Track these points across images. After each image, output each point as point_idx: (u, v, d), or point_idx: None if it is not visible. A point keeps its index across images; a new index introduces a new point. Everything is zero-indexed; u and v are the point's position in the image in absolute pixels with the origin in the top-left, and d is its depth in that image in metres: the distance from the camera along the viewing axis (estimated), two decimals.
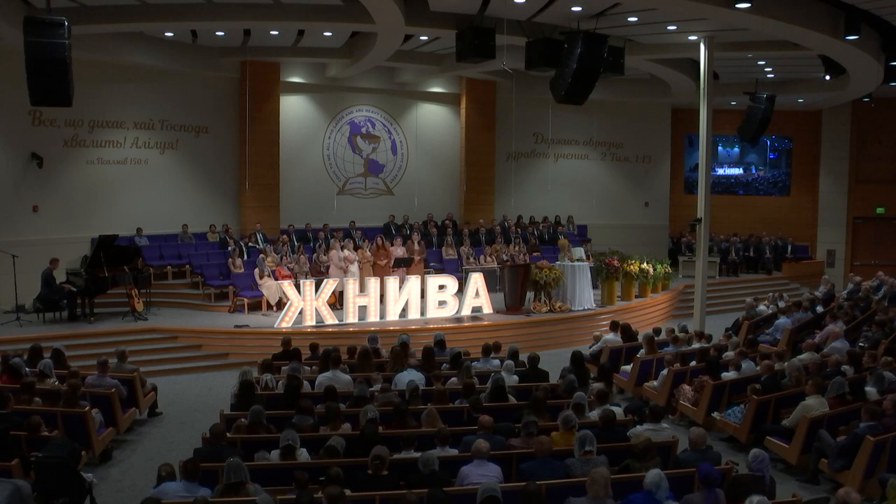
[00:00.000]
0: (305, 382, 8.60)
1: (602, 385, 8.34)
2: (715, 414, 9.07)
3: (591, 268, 15.39)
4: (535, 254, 17.14)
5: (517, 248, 16.99)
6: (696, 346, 11.07)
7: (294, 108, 18.15)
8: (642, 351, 10.82)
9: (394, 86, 19.03)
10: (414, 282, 13.63)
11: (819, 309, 14.06)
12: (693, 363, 10.15)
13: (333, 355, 8.95)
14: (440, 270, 15.91)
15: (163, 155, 16.55)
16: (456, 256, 16.82)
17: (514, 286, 14.39)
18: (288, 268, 14.72)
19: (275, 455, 6.39)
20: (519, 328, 13.73)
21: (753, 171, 23.16)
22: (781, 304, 14.47)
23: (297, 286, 12.99)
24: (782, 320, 13.18)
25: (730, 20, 12.13)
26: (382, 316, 13.42)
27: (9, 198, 14.11)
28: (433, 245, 17.32)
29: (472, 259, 16.70)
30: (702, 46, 14.12)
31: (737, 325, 13.88)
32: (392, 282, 13.51)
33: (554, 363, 10.59)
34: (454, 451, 6.56)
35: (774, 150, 23.02)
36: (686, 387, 9.59)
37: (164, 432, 9.31)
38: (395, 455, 6.21)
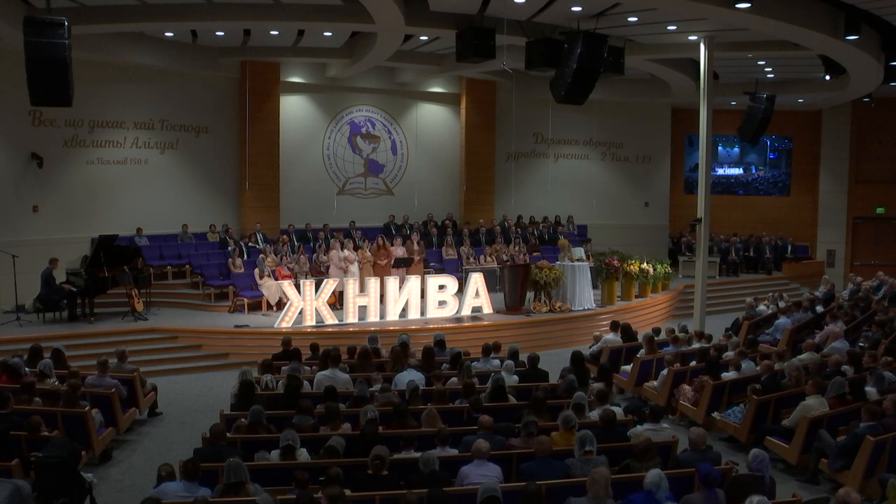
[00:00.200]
0: (305, 382, 8.61)
1: (602, 385, 8.34)
2: (715, 414, 9.07)
3: (591, 268, 15.39)
4: (535, 254, 17.14)
5: (517, 248, 16.99)
6: (696, 346, 11.07)
7: (294, 108, 18.16)
8: (642, 351, 10.82)
9: (394, 86, 19.03)
10: (414, 282, 13.63)
11: (819, 309, 14.06)
12: (693, 363, 10.15)
13: (333, 354, 8.95)
14: (440, 270, 15.91)
15: (163, 155, 16.55)
16: (456, 256, 16.82)
17: (514, 286, 14.39)
18: (288, 268, 14.72)
19: (275, 455, 6.39)
20: (519, 328, 13.73)
21: (753, 171, 23.16)
22: (781, 304, 14.48)
23: (297, 286, 12.99)
24: (782, 320, 13.18)
25: (730, 20, 12.13)
26: (382, 316, 13.42)
27: (9, 198, 14.11)
28: (433, 245, 17.32)
29: (472, 259, 16.70)
30: (702, 46, 14.12)
31: (737, 325, 13.88)
32: (392, 282, 13.51)
33: (554, 363, 10.59)
34: (454, 451, 6.56)
35: (774, 150, 23.02)
36: (686, 387, 9.59)
37: (164, 432, 9.31)
38: (395, 455, 6.21)
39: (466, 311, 13.91)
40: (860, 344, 11.48)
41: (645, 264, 16.27)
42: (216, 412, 8.04)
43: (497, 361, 9.79)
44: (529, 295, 14.78)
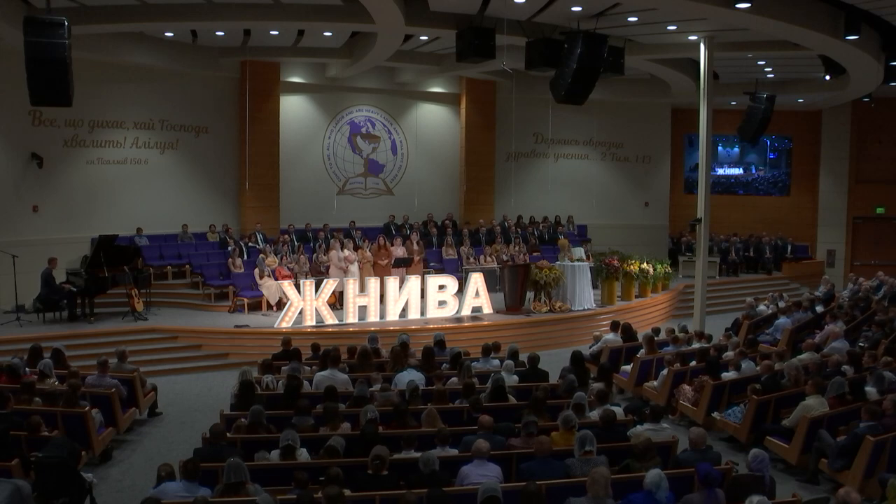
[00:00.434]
0: (305, 382, 8.61)
1: (602, 385, 8.34)
2: (715, 414, 9.07)
3: (591, 268, 15.39)
4: (535, 254, 17.14)
5: (517, 248, 16.99)
6: (696, 346, 11.07)
7: (294, 108, 18.16)
8: (642, 351, 10.82)
9: (394, 86, 19.03)
10: (414, 282, 13.63)
11: (819, 309, 14.06)
12: (693, 363, 10.14)
13: (332, 354, 8.96)
14: (440, 270, 15.91)
15: (163, 155, 16.55)
16: (456, 256, 16.82)
17: (514, 286, 14.39)
18: (288, 268, 14.71)
19: (275, 455, 6.39)
20: (519, 328, 13.73)
21: (753, 171, 23.16)
22: (781, 304, 14.47)
23: (297, 286, 12.99)
24: (782, 320, 13.18)
25: (730, 20, 12.13)
26: (382, 316, 13.42)
27: (9, 198, 14.11)
28: (433, 245, 17.32)
29: (472, 259, 16.69)
30: (702, 46, 14.12)
31: (737, 325, 13.87)
32: (392, 282, 13.51)
33: (554, 363, 10.59)
34: (454, 451, 6.56)
35: (774, 150, 23.01)
36: (686, 387, 9.59)
37: (164, 432, 9.31)
38: (395, 455, 6.21)
39: (466, 311, 13.91)
40: (860, 344, 11.48)
41: (645, 264, 16.27)
42: (216, 412, 8.04)
43: (497, 361, 9.79)
44: (529, 295, 14.77)
